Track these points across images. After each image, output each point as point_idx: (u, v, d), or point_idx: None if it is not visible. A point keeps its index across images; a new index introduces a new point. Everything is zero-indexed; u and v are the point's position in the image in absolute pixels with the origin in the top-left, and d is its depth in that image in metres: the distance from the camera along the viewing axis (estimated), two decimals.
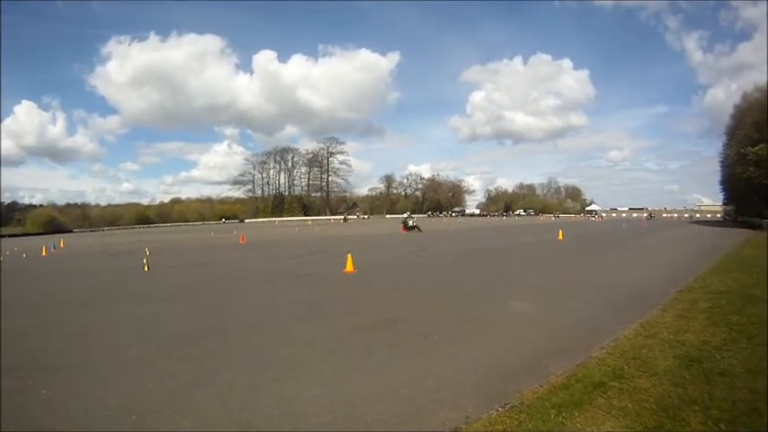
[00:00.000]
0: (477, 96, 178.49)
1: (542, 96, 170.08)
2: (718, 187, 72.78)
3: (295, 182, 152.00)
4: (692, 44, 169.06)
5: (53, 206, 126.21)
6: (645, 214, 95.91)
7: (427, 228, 51.43)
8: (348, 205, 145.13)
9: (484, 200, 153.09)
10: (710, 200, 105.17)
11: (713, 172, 74.35)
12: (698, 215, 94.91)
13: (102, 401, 5.48)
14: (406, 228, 44.88)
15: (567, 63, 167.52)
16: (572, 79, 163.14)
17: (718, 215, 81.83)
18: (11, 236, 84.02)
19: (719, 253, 18.89)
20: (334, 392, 5.52)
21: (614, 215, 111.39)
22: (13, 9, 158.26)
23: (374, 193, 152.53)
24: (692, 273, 13.26)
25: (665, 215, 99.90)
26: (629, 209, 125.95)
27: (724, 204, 77.48)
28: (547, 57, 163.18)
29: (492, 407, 4.87)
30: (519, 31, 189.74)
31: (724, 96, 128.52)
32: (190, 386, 5.91)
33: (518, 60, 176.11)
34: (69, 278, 19.75)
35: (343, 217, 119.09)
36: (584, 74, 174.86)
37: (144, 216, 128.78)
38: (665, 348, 6.41)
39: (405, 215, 52.64)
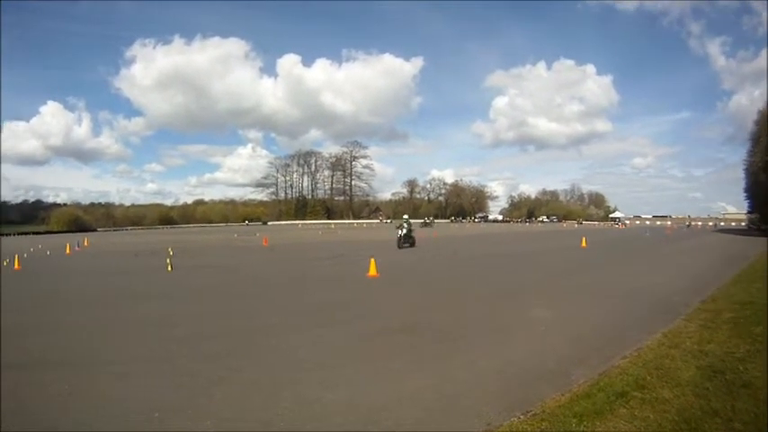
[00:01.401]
0: (500, 102, 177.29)
1: (566, 102, 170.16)
2: (742, 195, 71.87)
3: (318, 185, 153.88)
4: (715, 49, 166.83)
5: (77, 205, 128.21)
6: (687, 223, 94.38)
7: (449, 233, 51.15)
8: (371, 209, 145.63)
9: (507, 206, 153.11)
10: (735, 208, 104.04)
11: (738, 179, 73.19)
12: (722, 223, 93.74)
13: (125, 399, 5.56)
14: (400, 241, 29.58)
15: (590, 68, 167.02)
16: (595, 85, 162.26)
17: (743, 223, 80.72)
18: (35, 233, 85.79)
19: (743, 262, 18.66)
20: (355, 396, 5.54)
21: (638, 222, 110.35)
22: (38, 10, 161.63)
23: (397, 198, 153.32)
24: (716, 282, 13.10)
25: (688, 223, 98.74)
26: (653, 216, 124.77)
27: (749, 212, 76.39)
28: (570, 62, 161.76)
29: (513, 414, 4.86)
30: (542, 35, 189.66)
31: (747, 102, 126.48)
32: (211, 386, 5.98)
33: (541, 65, 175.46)
34: (92, 276, 20.05)
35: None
36: (607, 79, 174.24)
37: (167, 217, 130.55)
38: (688, 359, 6.33)
39: (402, 220, 32.92)
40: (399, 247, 28.88)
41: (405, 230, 29.96)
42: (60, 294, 14.70)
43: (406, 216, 33.26)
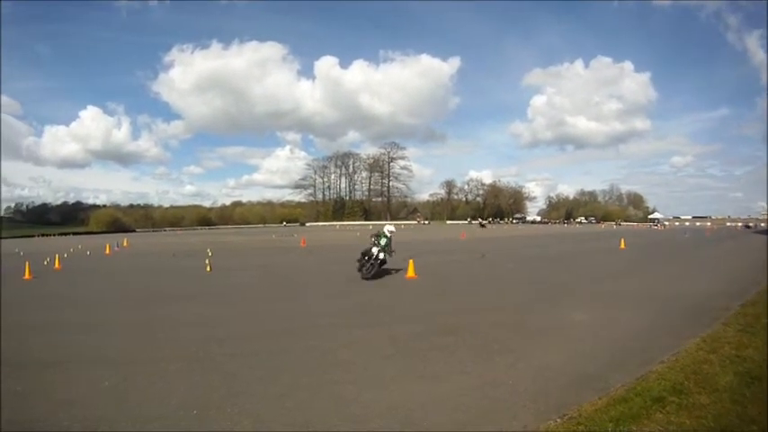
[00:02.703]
0: (538, 101, 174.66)
1: (604, 100, 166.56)
2: None
3: (356, 186, 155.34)
4: (753, 43, 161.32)
5: (116, 207, 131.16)
6: (750, 224, 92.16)
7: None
8: (409, 210, 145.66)
9: (545, 207, 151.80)
10: None
11: None
12: (762, 224, 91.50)
13: (164, 397, 5.75)
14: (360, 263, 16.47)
15: (628, 66, 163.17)
16: (633, 82, 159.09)
17: None
18: (74, 233, 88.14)
19: None
20: (393, 397, 5.64)
21: (677, 224, 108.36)
22: (77, 17, 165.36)
23: (435, 199, 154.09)
24: (756, 286, 12.87)
25: (728, 224, 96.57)
26: (693, 217, 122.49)
27: None
28: (608, 59, 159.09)
29: (550, 417, 4.91)
30: (578, 33, 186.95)
31: None
32: (250, 385, 6.14)
33: (579, 63, 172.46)
34: (132, 276, 20.61)
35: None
36: (645, 76, 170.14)
37: (205, 218, 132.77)
38: (725, 364, 6.27)
39: (383, 230, 17.32)
40: (362, 275, 16.38)
41: (379, 249, 16.83)
42: (100, 294, 15.16)
43: (389, 227, 18.16)
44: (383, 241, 17.03)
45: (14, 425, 5.03)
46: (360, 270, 16.40)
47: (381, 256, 16.73)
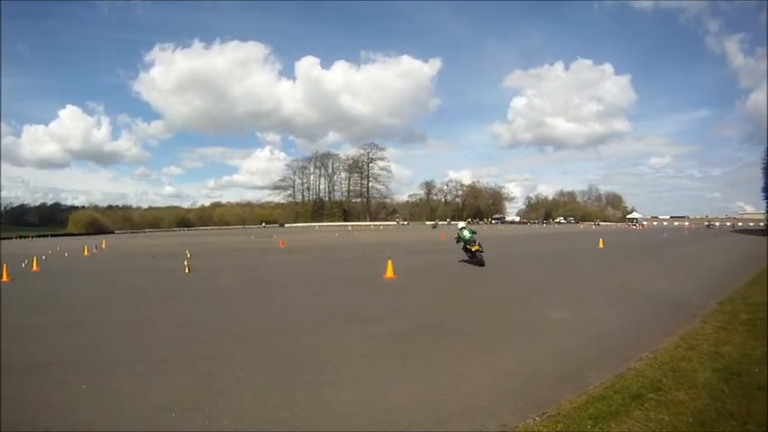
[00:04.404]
0: (518, 102, 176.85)
1: (584, 102, 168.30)
2: (760, 195, 70.98)
3: (335, 187, 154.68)
4: (733, 47, 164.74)
5: (95, 208, 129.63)
6: (717, 223, 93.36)
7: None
8: (388, 211, 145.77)
9: (524, 207, 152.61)
10: (753, 207, 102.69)
11: (756, 178, 72.02)
12: (740, 223, 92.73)
13: (143, 398, 5.68)
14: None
15: (608, 68, 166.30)
16: (613, 84, 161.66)
17: (761, 223, 79.81)
18: (53, 235, 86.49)
19: (761, 263, 18.50)
20: (372, 396, 5.60)
21: (655, 223, 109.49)
22: (57, 14, 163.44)
23: (414, 200, 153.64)
24: (733, 284, 13.01)
25: (706, 224, 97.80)
26: (671, 217, 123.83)
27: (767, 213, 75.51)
28: (588, 62, 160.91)
29: (529, 415, 4.89)
30: (559, 35, 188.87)
31: (766, 100, 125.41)
32: (229, 386, 6.06)
33: (559, 65, 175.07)
34: (111, 278, 20.28)
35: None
36: (625, 79, 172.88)
37: (184, 219, 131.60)
38: (704, 361, 6.32)
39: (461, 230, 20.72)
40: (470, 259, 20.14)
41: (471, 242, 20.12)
42: (78, 295, 14.93)
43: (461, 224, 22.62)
44: (467, 235, 20.26)
45: None
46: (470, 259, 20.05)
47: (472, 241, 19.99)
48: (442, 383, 5.98)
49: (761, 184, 67.72)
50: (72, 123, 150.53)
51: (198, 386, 6.05)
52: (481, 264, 19.17)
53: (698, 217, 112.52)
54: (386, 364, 6.91)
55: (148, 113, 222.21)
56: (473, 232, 20.62)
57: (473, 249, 19.74)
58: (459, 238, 20.44)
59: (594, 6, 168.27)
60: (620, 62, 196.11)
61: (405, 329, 9.00)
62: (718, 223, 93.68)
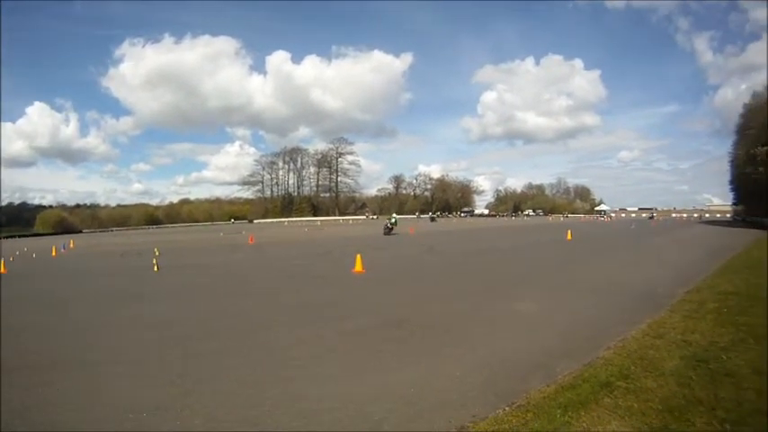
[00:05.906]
0: (488, 97, 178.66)
1: (554, 96, 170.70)
2: (728, 187, 72.55)
3: (304, 182, 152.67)
4: (702, 45, 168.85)
5: (63, 207, 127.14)
6: (645, 215, 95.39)
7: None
8: (357, 206, 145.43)
9: (493, 200, 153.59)
10: (720, 200, 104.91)
11: (723, 171, 73.77)
12: (707, 215, 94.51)
13: (114, 399, 5.55)
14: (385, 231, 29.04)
15: (578, 63, 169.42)
16: (583, 79, 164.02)
17: (728, 215, 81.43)
18: (20, 236, 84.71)
19: (728, 253, 18.84)
20: (342, 391, 5.55)
21: (623, 215, 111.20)
22: (26, 8, 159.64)
23: (383, 194, 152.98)
24: (701, 273, 13.22)
25: (674, 215, 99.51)
26: (639, 209, 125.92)
27: (734, 204, 77.14)
28: (559, 57, 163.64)
29: (499, 406, 4.89)
30: (531, 31, 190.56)
31: (733, 96, 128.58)
32: (200, 385, 5.97)
33: (530, 61, 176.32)
34: (79, 278, 19.87)
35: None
36: (595, 74, 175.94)
37: (153, 216, 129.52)
38: (672, 349, 6.41)
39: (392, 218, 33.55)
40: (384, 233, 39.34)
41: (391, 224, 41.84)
42: (46, 297, 14.56)
43: (395, 215, 43.75)
44: (393, 221, 41.90)
45: None
46: (386, 234, 37.73)
47: (390, 226, 40.21)
48: (411, 377, 5.95)
49: (728, 177, 69.21)
50: (40, 120, 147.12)
51: (170, 386, 5.95)
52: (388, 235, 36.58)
53: (666, 209, 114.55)
54: (355, 359, 6.88)
55: (118, 109, 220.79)
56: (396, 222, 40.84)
57: (391, 228, 39.95)
58: (390, 225, 40.18)
59: (569, 5, 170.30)
60: (591, 58, 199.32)
61: (374, 324, 8.96)
62: (685, 215, 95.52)
